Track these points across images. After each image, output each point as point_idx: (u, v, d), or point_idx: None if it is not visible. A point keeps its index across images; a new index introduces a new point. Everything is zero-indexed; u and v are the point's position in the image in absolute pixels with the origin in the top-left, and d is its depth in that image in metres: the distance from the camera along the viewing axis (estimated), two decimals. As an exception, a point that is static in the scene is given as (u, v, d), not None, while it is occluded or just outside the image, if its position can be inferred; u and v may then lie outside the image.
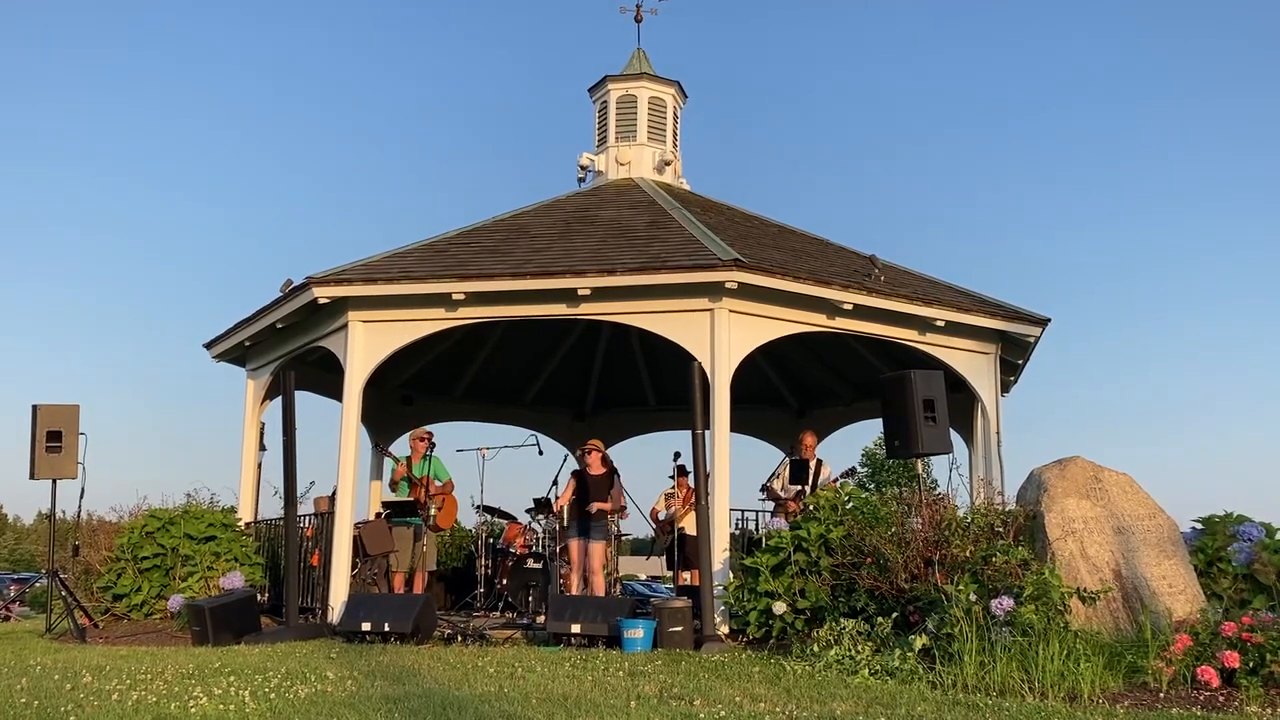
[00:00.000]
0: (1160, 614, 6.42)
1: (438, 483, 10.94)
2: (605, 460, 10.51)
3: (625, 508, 10.57)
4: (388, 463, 11.51)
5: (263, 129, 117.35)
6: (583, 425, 15.53)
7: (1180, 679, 5.64)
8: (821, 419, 14.79)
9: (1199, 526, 7.67)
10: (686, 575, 11.04)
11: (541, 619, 9.26)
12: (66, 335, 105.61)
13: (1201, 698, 5.40)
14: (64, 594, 9.74)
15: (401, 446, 11.94)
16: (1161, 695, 5.45)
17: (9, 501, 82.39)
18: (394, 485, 11.11)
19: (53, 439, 9.91)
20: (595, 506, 10.07)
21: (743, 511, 11.10)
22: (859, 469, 23.99)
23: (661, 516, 11.32)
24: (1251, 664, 5.56)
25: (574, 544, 10.27)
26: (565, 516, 10.33)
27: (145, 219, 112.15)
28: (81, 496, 10.28)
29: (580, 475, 10.34)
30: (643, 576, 25.72)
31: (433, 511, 10.74)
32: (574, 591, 10.08)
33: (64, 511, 10.69)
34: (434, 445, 11.08)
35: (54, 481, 9.96)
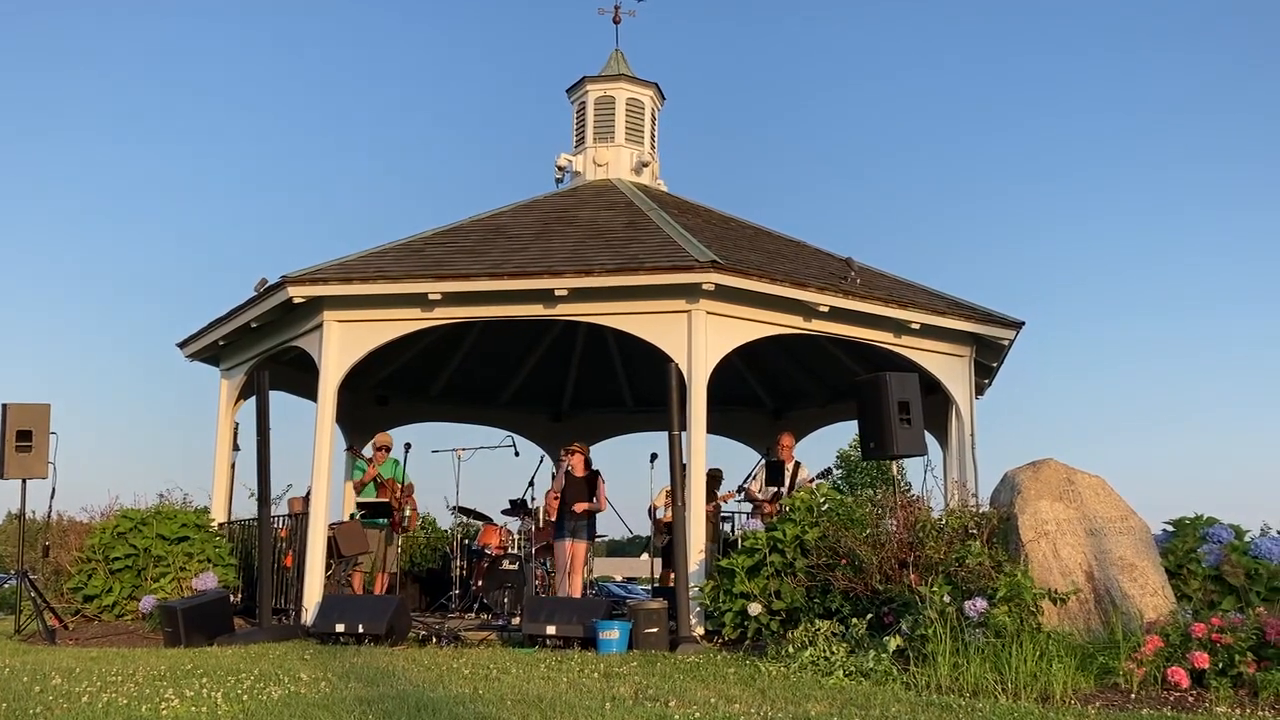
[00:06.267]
0: (1131, 615, 6.48)
1: (399, 485, 10.93)
2: (588, 463, 10.54)
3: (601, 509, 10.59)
4: (356, 463, 11.47)
5: (240, 128, 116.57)
6: (559, 426, 15.52)
7: (1151, 680, 5.68)
8: (797, 421, 14.85)
9: (1170, 529, 7.73)
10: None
11: (517, 620, 9.24)
12: (37, 333, 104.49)
13: (1172, 698, 5.45)
14: (33, 595, 9.64)
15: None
16: (1132, 696, 5.50)
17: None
18: (359, 487, 11.09)
19: (23, 438, 9.81)
20: (581, 507, 10.13)
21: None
22: (834, 470, 24.02)
23: (659, 514, 11.27)
24: (1221, 665, 5.61)
25: (558, 545, 10.31)
26: (544, 516, 10.35)
27: (119, 216, 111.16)
28: (52, 496, 10.21)
29: (566, 476, 10.38)
30: (618, 577, 25.71)
31: (408, 513, 10.74)
32: (560, 592, 10.09)
33: (34, 511, 10.59)
34: (408, 447, 11.05)
35: (24, 481, 9.86)
